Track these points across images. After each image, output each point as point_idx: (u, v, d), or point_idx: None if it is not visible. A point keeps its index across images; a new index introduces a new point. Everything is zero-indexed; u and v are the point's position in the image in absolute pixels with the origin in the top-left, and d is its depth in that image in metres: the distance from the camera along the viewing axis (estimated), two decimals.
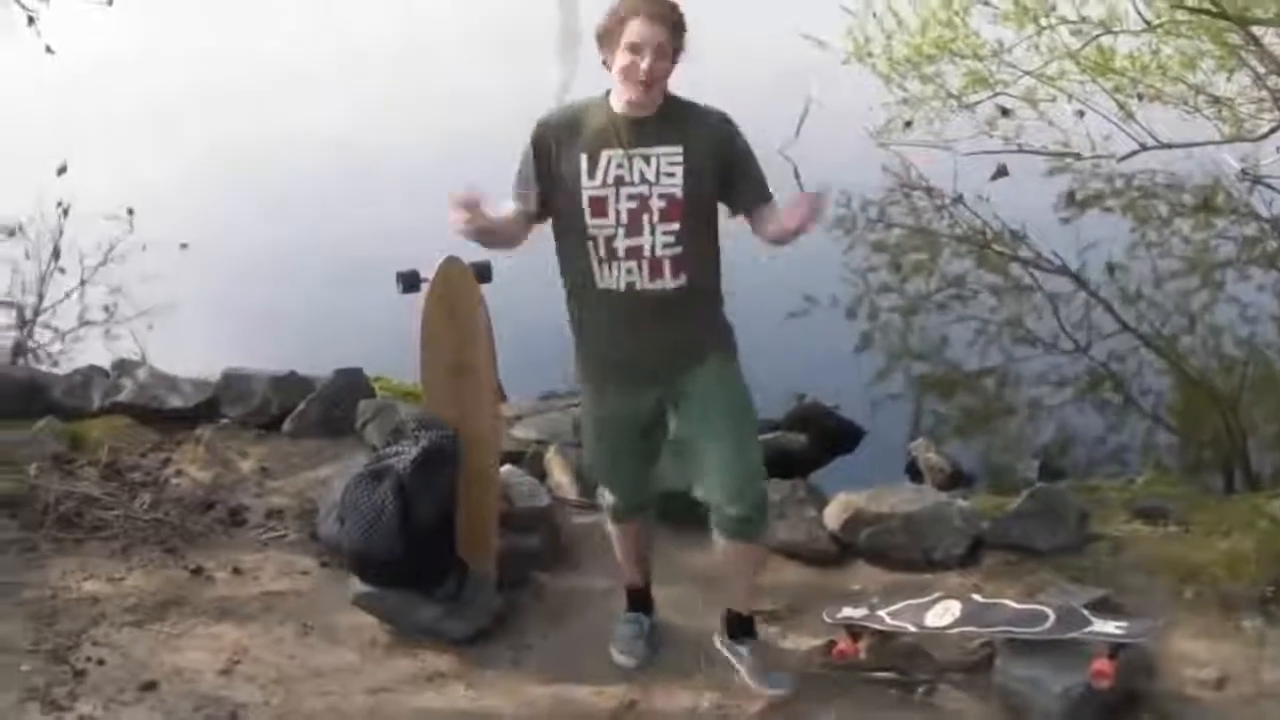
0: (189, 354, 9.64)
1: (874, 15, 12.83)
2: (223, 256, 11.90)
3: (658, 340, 5.43)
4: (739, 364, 5.62)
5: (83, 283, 11.05)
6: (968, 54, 12.80)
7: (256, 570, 6.93)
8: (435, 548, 6.14)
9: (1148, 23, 12.06)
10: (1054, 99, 12.94)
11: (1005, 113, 13.23)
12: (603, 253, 5.32)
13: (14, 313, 10.87)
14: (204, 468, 7.95)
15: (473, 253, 6.30)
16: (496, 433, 6.66)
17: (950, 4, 12.60)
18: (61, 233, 11.07)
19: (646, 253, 5.27)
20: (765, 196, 5.37)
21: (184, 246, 11.27)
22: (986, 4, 12.55)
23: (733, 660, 5.95)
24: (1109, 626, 5.58)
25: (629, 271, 5.31)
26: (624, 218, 5.27)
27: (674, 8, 5.26)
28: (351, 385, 8.55)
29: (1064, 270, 11.49)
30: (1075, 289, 11.22)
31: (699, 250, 5.37)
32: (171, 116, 15.57)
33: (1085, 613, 5.74)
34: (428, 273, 6.30)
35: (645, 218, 5.26)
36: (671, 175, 5.24)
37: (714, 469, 5.52)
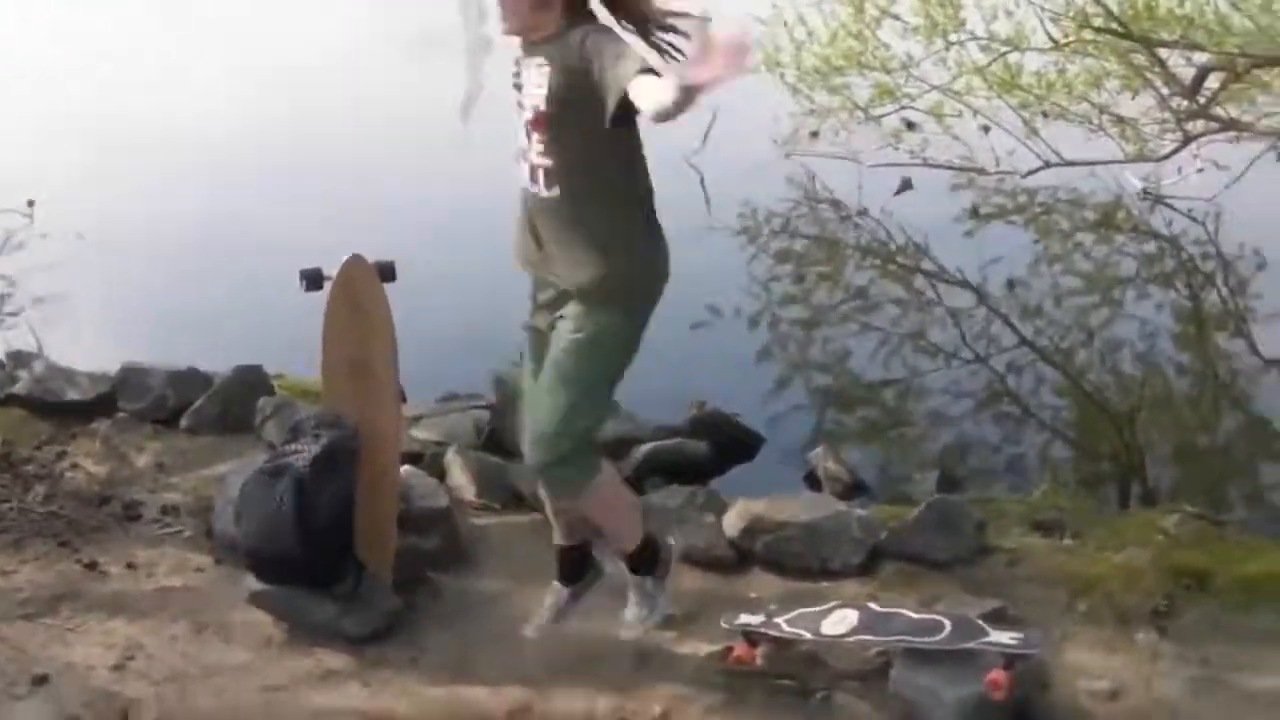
0: (86, 347, 9.55)
1: (785, 24, 12.85)
2: (122, 248, 11.79)
3: (549, 253, 5.57)
4: (617, 315, 5.56)
5: None
6: (876, 66, 12.87)
7: (151, 566, 6.84)
8: (333, 546, 6.10)
9: (1055, 41, 12.18)
10: (960, 114, 13.04)
11: (911, 126, 13.33)
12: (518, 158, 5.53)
13: None
14: (100, 462, 7.86)
15: (376, 251, 6.31)
16: (397, 432, 6.63)
17: (861, 16, 12.66)
18: None
19: (529, 158, 5.46)
20: (630, 72, 4.97)
21: (80, 237, 11.17)
22: (897, 18, 12.62)
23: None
24: (1004, 637, 5.61)
25: (524, 178, 5.53)
26: (519, 125, 5.48)
27: None
28: (251, 382, 8.47)
29: (966, 284, 11.57)
30: (976, 303, 11.29)
31: (569, 163, 5.39)
32: (70, 103, 15.42)
33: (981, 623, 5.76)
34: (331, 270, 6.27)
35: (526, 127, 5.45)
36: (540, 87, 5.34)
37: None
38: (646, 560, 6.17)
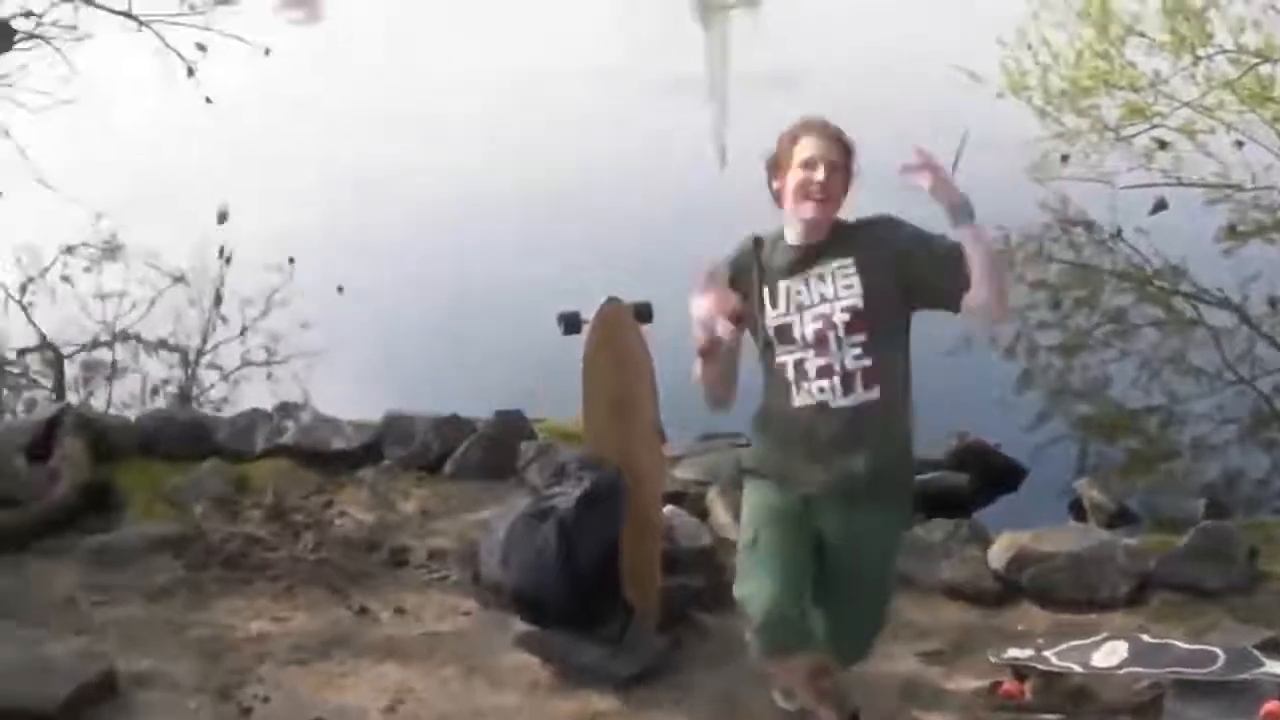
0: (350, 396, 9.75)
1: (1029, 47, 12.74)
2: (381, 300, 12.02)
3: (848, 459, 5.23)
4: (907, 514, 5.64)
5: (244, 330, 11.21)
6: (1124, 85, 12.71)
7: (419, 611, 6.97)
8: (598, 588, 6.15)
9: None
10: (1212, 130, 12.81)
11: (1163, 145, 13.11)
12: (792, 375, 5.23)
13: (178, 356, 11.06)
14: (366, 509, 8.03)
15: (632, 292, 6.36)
16: (658, 473, 6.66)
17: (1106, 35, 12.51)
18: (223, 280, 11.26)
19: (838, 368, 5.15)
20: (954, 277, 5.09)
21: (340, 290, 11.41)
22: (1142, 35, 12.44)
23: None
24: None
25: (821, 390, 5.17)
26: (810, 338, 5.18)
27: (843, 133, 5.25)
28: (512, 427, 8.61)
29: (1226, 304, 11.34)
30: (1238, 323, 11.05)
31: (891, 362, 5.22)
32: (327, 160, 15.77)
33: (1255, 653, 5.65)
34: (589, 313, 6.33)
35: (831, 334, 5.16)
36: (850, 287, 5.16)
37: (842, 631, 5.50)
38: None
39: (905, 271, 5.14)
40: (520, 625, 6.37)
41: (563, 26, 21.68)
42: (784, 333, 5.23)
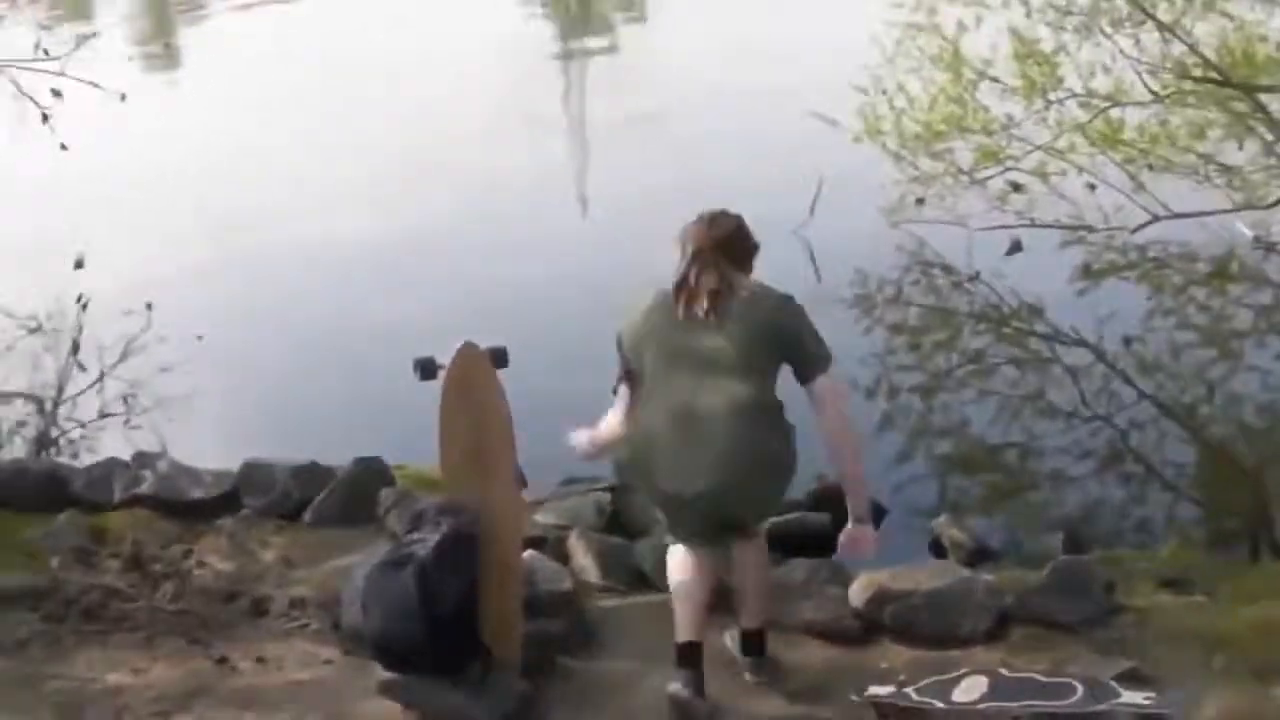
0: (208, 445, 9.66)
1: (884, 93, 12.86)
2: (239, 348, 11.93)
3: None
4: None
5: (102, 376, 11.07)
6: (977, 129, 12.84)
7: (280, 660, 6.91)
8: (459, 634, 6.13)
9: (1155, 94, 12.13)
10: (1065, 172, 12.97)
11: (1017, 187, 13.25)
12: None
13: (34, 406, 10.91)
14: (226, 558, 7.95)
15: (493, 337, 6.35)
16: (518, 518, 6.66)
17: (959, 80, 12.64)
18: (80, 328, 11.12)
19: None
20: (811, 373, 5.94)
21: (200, 338, 11.31)
22: (995, 80, 12.59)
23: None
24: (1138, 698, 5.57)
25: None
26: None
27: (732, 225, 6.06)
28: (372, 474, 8.55)
29: (1082, 342, 11.48)
30: (1094, 361, 11.20)
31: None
32: (184, 208, 15.65)
33: (1114, 685, 5.72)
34: (444, 358, 6.31)
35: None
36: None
37: None
38: (762, 641, 6.36)
39: (777, 341, 5.91)
40: (382, 673, 6.32)
41: (427, 69, 21.68)
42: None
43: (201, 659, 6.90)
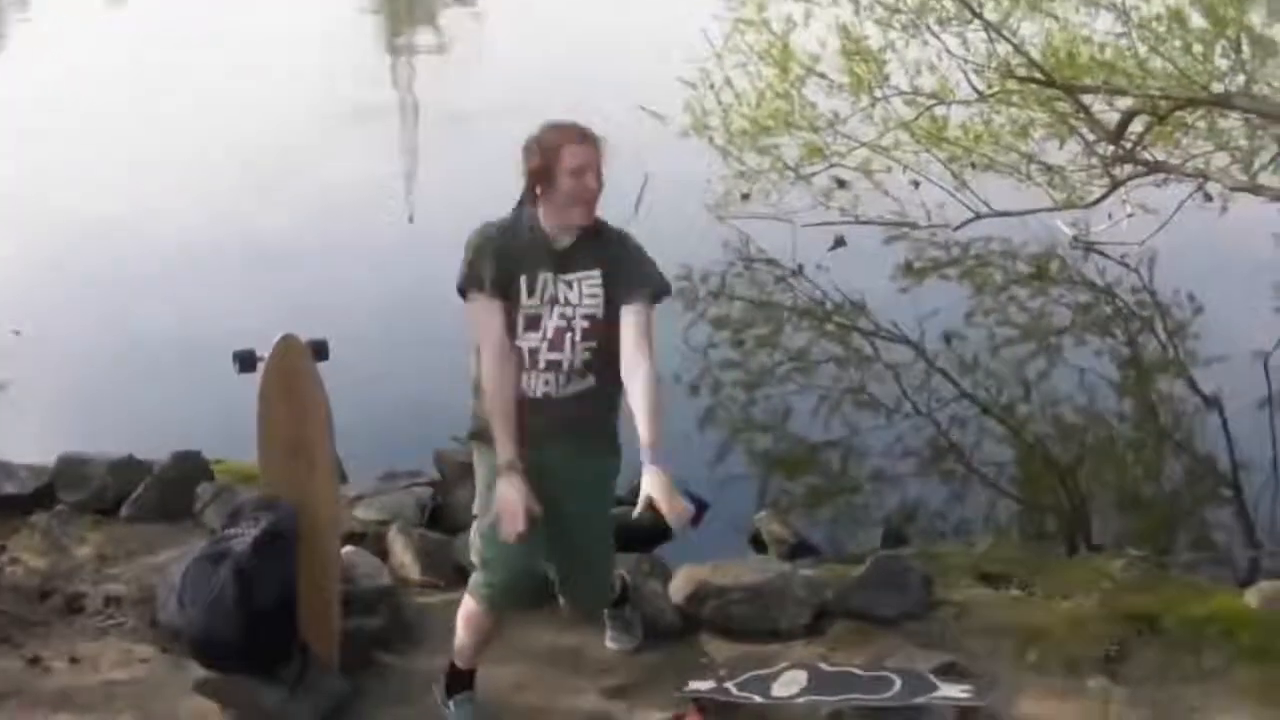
0: (23, 439, 9.46)
1: (711, 88, 12.89)
2: (55, 341, 11.71)
3: (565, 440, 5.76)
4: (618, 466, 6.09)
5: None
6: (804, 126, 12.90)
7: (96, 659, 6.78)
8: (276, 631, 6.06)
9: (979, 92, 12.28)
10: (889, 169, 13.09)
11: (842, 184, 13.36)
12: (526, 363, 5.69)
13: None
14: (40, 555, 7.78)
15: (309, 330, 6.28)
16: (336, 513, 6.59)
17: (787, 76, 12.70)
18: None
19: (565, 367, 5.68)
20: (640, 296, 5.71)
21: (17, 333, 11.12)
22: (822, 76, 12.66)
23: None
24: (955, 691, 5.63)
25: (546, 383, 5.69)
26: (550, 333, 5.67)
27: (598, 136, 5.77)
28: (190, 468, 8.42)
29: (904, 339, 11.59)
30: (915, 358, 11.31)
31: (609, 357, 5.67)
32: (17, 203, 15.34)
33: (931, 678, 5.79)
34: (264, 351, 6.23)
35: (568, 336, 5.66)
36: (594, 297, 5.69)
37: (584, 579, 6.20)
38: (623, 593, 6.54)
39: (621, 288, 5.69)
40: (199, 671, 6.23)
41: (259, 65, 21.44)
42: (532, 322, 5.68)
43: (13, 659, 6.75)
